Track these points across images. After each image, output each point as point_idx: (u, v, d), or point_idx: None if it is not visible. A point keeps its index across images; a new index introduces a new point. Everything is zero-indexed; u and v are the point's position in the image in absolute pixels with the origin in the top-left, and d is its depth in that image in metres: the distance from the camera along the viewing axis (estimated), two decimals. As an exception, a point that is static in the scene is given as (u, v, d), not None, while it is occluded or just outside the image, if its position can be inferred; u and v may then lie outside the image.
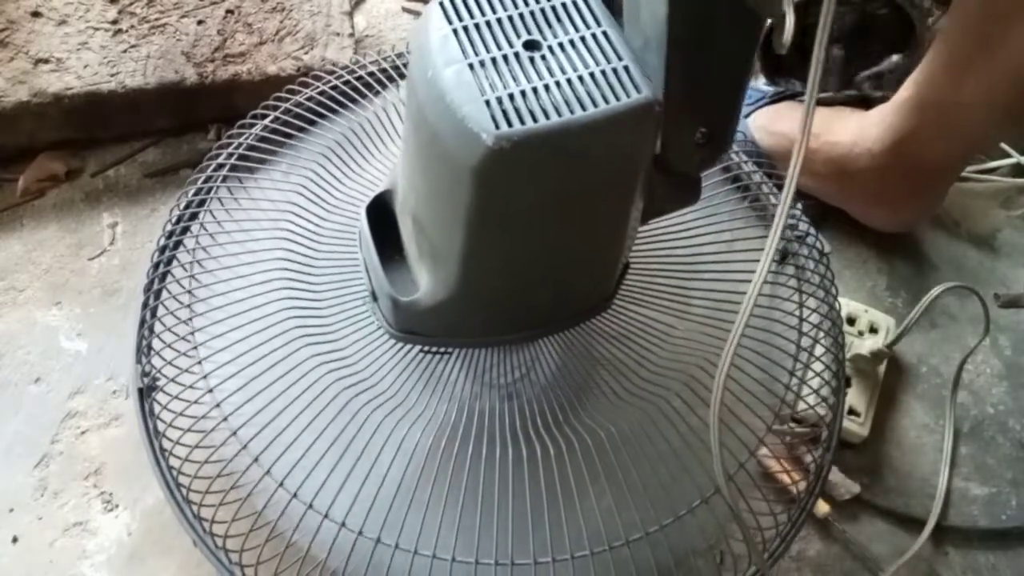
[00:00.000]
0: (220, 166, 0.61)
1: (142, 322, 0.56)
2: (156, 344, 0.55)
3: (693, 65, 0.40)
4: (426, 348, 0.51)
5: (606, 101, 0.36)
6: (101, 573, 0.59)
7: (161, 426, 0.52)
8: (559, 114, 0.36)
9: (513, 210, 0.39)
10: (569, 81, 0.36)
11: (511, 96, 0.36)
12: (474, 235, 0.39)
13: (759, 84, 0.81)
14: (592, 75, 0.37)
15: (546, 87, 0.36)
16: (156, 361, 0.54)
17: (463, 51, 0.37)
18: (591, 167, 0.38)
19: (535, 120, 0.35)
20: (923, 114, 0.64)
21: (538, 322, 0.47)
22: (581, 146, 0.37)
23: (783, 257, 0.60)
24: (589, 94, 0.36)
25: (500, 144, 0.35)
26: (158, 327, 0.56)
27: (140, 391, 0.54)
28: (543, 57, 0.37)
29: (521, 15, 0.38)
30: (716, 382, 0.41)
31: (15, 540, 0.60)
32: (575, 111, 0.36)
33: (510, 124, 0.35)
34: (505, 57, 0.37)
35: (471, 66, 0.36)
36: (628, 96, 0.36)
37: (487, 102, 0.35)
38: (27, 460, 0.63)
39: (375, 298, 0.47)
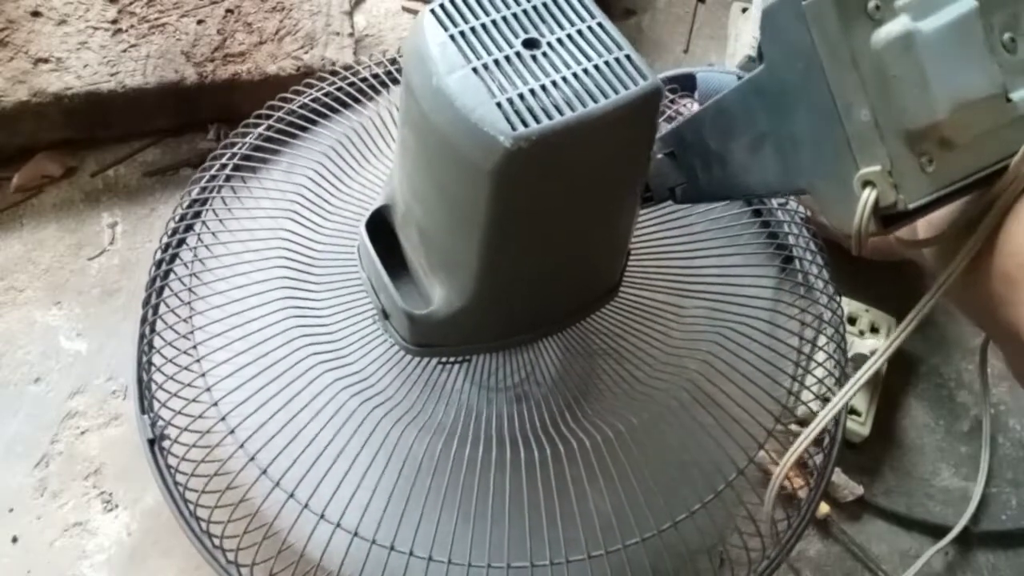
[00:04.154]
0: (223, 167, 0.60)
1: (143, 321, 0.56)
2: (157, 355, 0.55)
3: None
4: (444, 360, 0.50)
5: (615, 92, 0.36)
6: (101, 573, 0.59)
7: (167, 444, 0.52)
8: (572, 109, 0.36)
9: (530, 208, 0.39)
10: (575, 76, 0.37)
11: (521, 96, 0.36)
12: (492, 238, 0.39)
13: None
14: (597, 67, 0.37)
15: (553, 83, 0.36)
16: (157, 359, 0.54)
17: (464, 56, 0.37)
18: (603, 157, 0.39)
19: (549, 117, 0.35)
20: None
21: (554, 317, 0.47)
22: (595, 139, 0.37)
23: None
24: (597, 87, 0.37)
25: (518, 145, 0.35)
26: (159, 326, 0.55)
27: (141, 392, 0.54)
28: (544, 54, 0.37)
29: (515, 15, 0.39)
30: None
31: (15, 540, 0.60)
32: (587, 104, 0.36)
33: (525, 124, 0.35)
34: (507, 58, 0.37)
35: (475, 70, 0.36)
36: (635, 84, 0.37)
37: (498, 104, 0.35)
38: (27, 460, 0.63)
39: (386, 316, 0.47)
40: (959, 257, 0.37)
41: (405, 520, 0.45)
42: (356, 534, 0.46)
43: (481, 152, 0.36)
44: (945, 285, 0.37)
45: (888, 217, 0.34)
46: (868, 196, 0.33)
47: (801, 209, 0.62)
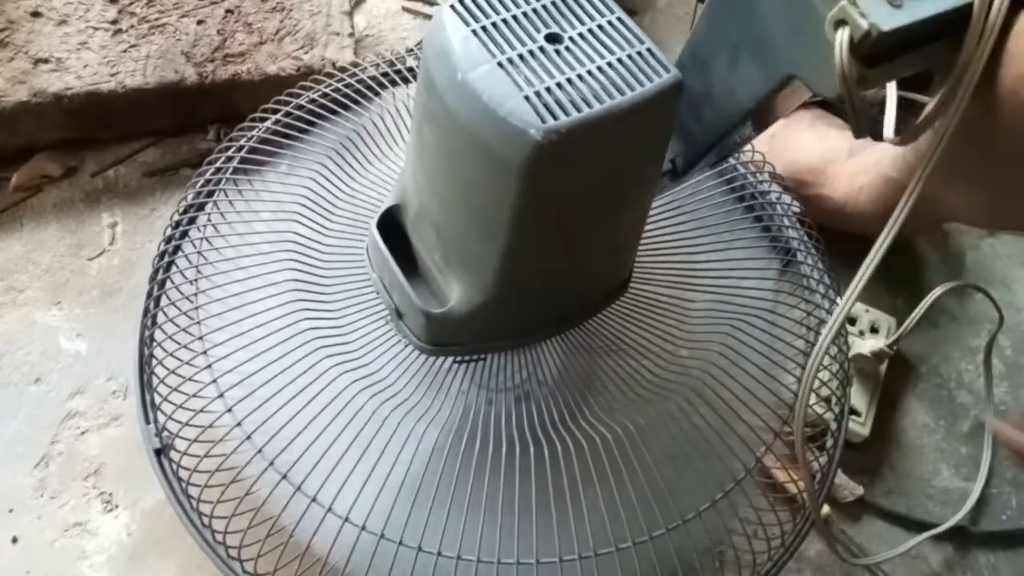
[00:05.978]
0: (219, 170, 0.60)
1: (143, 331, 0.56)
2: (160, 366, 0.54)
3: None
4: (458, 359, 0.50)
5: (640, 84, 0.37)
6: (101, 573, 0.59)
7: (178, 447, 0.51)
8: (599, 102, 0.36)
9: (555, 202, 0.39)
10: (600, 69, 0.37)
11: (548, 89, 0.36)
12: (516, 232, 0.39)
13: None
14: (620, 61, 0.38)
15: (579, 77, 0.37)
16: (160, 371, 0.54)
17: (488, 50, 0.37)
18: (626, 150, 0.39)
19: (578, 110, 0.36)
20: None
21: (571, 312, 0.48)
22: (619, 131, 0.37)
23: None
24: (623, 79, 0.37)
25: (549, 138, 0.35)
26: (159, 335, 0.55)
27: (143, 402, 0.53)
28: (567, 48, 0.38)
29: (535, 10, 0.39)
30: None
31: (15, 540, 0.60)
32: (613, 97, 0.36)
33: (555, 117, 0.35)
34: (531, 52, 0.37)
35: (500, 64, 0.37)
36: (659, 77, 0.37)
37: (526, 97, 0.36)
38: (27, 460, 0.63)
39: (399, 316, 0.46)
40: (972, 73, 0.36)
41: (432, 518, 0.45)
42: (383, 536, 0.45)
43: (510, 146, 0.36)
44: (961, 107, 0.37)
45: (870, 58, 0.34)
46: (842, 35, 0.33)
47: (796, 204, 0.62)
